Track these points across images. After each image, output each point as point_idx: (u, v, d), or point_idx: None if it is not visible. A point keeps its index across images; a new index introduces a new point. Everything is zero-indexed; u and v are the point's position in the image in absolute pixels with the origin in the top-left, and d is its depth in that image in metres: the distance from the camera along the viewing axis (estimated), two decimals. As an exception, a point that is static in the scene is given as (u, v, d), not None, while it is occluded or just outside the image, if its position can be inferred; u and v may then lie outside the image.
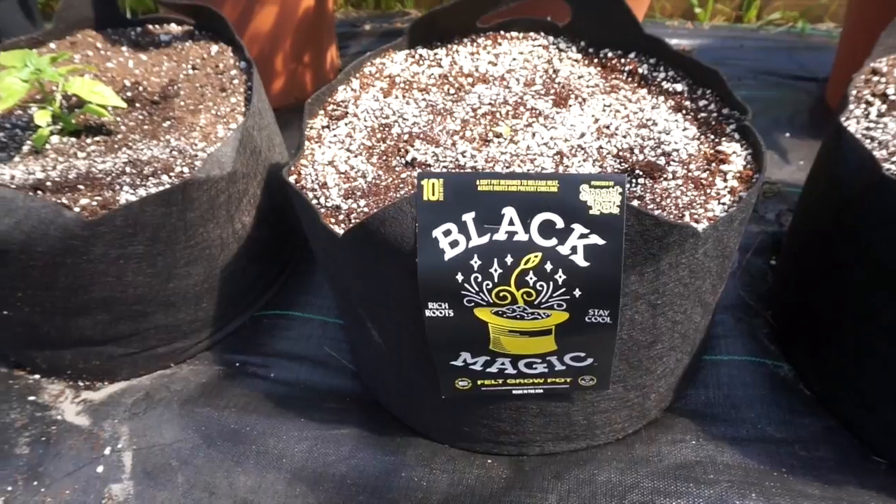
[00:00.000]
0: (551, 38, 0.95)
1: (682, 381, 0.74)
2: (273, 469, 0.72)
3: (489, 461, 0.71)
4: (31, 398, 0.87)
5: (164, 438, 0.78)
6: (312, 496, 0.68)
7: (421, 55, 0.92)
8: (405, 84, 0.87)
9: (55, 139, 0.86)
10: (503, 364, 0.62)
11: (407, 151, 0.74)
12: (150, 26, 1.07)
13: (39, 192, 0.75)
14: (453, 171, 0.71)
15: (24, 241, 0.69)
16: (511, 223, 0.54)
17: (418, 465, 0.70)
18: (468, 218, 0.54)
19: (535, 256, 0.53)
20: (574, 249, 0.53)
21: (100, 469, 0.75)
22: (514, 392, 0.64)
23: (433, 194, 0.54)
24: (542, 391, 0.64)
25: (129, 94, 0.95)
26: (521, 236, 0.54)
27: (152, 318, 0.83)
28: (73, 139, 0.86)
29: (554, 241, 0.53)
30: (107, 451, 0.77)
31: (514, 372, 0.62)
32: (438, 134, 0.77)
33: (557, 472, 0.68)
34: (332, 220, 0.66)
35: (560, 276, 0.53)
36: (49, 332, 0.82)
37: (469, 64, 0.91)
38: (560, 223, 0.53)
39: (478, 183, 0.54)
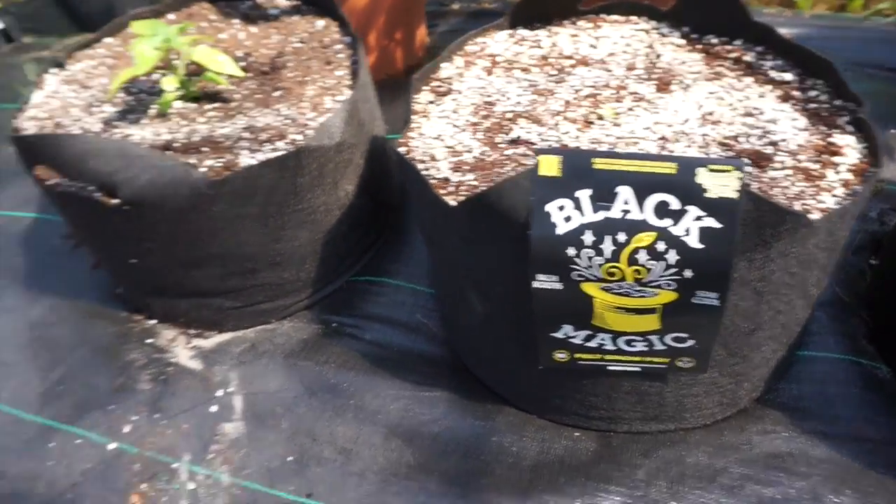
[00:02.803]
0: (653, 23, 0.94)
1: (776, 372, 0.74)
2: (370, 423, 0.76)
3: (577, 434, 0.73)
4: (149, 341, 0.94)
5: (269, 387, 0.84)
6: (408, 451, 0.72)
7: (522, 36, 0.94)
8: (507, 63, 0.89)
9: (178, 104, 0.92)
10: (603, 339, 0.64)
11: (511, 129, 0.76)
12: (259, 0, 1.12)
13: (169, 152, 0.82)
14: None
15: (156, 196, 0.76)
16: (626, 202, 0.55)
17: (508, 432, 0.73)
18: (583, 195, 0.56)
19: (648, 236, 0.55)
20: (688, 231, 0.54)
21: (213, 409, 0.82)
22: (609, 368, 0.66)
23: (550, 170, 0.56)
24: (638, 369, 0.66)
25: (241, 64, 1.00)
26: (635, 215, 0.55)
27: (260, 275, 0.89)
28: (194, 104, 0.93)
29: (668, 222, 0.54)
30: (219, 393, 0.84)
31: (614, 348, 0.64)
32: (541, 114, 0.79)
33: (645, 450, 0.70)
34: (442, 192, 0.69)
35: (672, 257, 0.55)
36: (168, 282, 0.89)
37: (570, 46, 0.91)
38: (675, 204, 0.54)
39: (594, 161, 0.56)
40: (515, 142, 0.75)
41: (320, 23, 1.05)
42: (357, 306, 0.93)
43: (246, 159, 0.80)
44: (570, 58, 0.89)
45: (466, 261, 0.69)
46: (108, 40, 1.07)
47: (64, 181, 0.78)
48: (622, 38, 0.92)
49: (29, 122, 0.90)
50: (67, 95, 0.97)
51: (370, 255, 1.01)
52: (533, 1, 0.93)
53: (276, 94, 0.94)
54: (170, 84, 0.88)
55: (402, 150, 0.74)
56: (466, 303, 0.73)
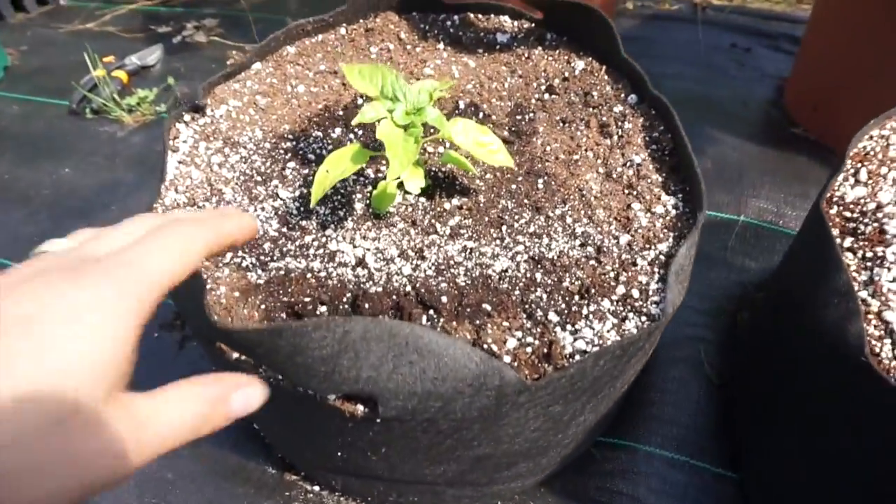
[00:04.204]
0: None
1: None
2: None
3: None
4: (321, 532, 0.65)
5: None
6: None
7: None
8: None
9: (398, 196, 0.60)
10: None
11: None
12: (473, 16, 0.77)
13: (432, 311, 0.50)
14: None
15: (436, 409, 0.45)
16: None
17: None
18: None
19: None
20: None
21: None
22: None
23: None
24: None
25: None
26: None
27: (514, 468, 0.59)
28: (422, 199, 0.60)
29: None
30: None
31: None
32: None
33: None
34: None
35: None
36: (379, 472, 0.59)
37: None
38: None
39: None
40: None
41: (579, 63, 0.71)
42: (618, 487, 0.65)
43: (565, 337, 0.49)
44: None
45: None
46: (256, 66, 0.73)
47: (275, 375, 0.47)
48: None
49: (169, 216, 0.57)
50: (213, 161, 0.64)
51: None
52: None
53: (540, 182, 0.62)
54: (415, 181, 0.55)
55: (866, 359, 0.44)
56: None
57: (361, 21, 0.77)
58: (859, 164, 0.57)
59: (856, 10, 0.96)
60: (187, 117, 0.66)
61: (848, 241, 0.52)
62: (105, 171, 1.06)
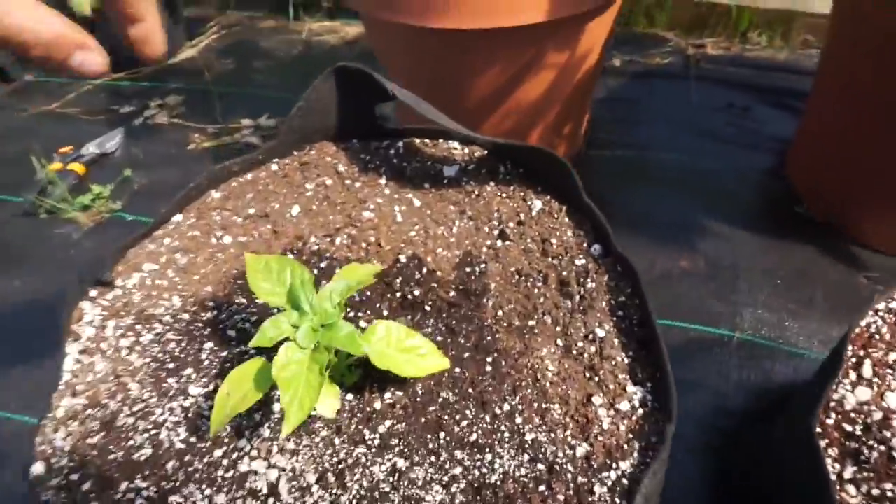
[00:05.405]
0: None
1: None
2: None
3: None
4: None
5: None
6: None
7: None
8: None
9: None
10: None
11: None
12: (419, 141, 0.69)
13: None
14: None
15: None
16: None
17: None
18: None
19: None
20: None
21: None
22: None
23: None
24: None
25: (405, 281, 0.59)
26: None
27: None
28: (349, 396, 0.52)
29: None
30: None
31: None
32: None
33: None
34: None
35: None
36: None
37: None
38: None
39: None
40: None
41: (537, 203, 0.63)
42: None
43: None
44: None
45: None
46: (177, 218, 0.65)
47: None
48: None
49: (60, 433, 0.50)
50: (121, 345, 0.56)
51: None
52: None
53: (488, 362, 0.54)
54: (328, 404, 0.47)
55: None
56: None
57: (295, 154, 0.69)
58: (861, 353, 0.48)
59: (864, 62, 0.82)
60: (93, 293, 0.59)
61: (849, 471, 0.43)
62: (55, 283, 1.00)
